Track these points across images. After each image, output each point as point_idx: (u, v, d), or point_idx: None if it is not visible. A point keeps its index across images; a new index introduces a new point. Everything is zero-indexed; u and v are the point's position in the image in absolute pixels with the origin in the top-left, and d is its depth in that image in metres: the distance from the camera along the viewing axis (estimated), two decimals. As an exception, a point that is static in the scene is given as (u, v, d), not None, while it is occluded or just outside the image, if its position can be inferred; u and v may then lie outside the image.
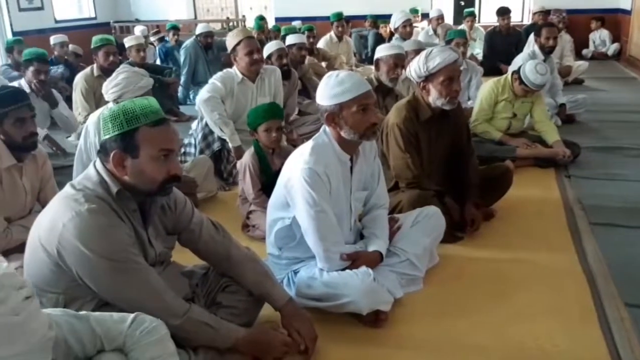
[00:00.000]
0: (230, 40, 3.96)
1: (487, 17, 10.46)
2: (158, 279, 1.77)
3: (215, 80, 3.92)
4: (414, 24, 7.56)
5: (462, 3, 10.85)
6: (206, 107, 3.81)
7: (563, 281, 2.50)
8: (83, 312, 1.27)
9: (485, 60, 7.58)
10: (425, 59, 2.77)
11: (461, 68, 4.27)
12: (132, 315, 1.36)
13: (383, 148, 2.92)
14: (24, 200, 2.62)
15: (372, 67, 3.99)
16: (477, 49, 8.34)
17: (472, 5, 10.63)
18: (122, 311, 1.59)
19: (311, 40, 7.03)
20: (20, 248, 2.35)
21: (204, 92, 3.88)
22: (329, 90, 2.16)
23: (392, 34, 8.43)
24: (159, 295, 1.72)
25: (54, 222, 1.65)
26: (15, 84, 4.10)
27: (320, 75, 6.24)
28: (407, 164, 2.83)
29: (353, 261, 2.23)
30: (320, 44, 7.72)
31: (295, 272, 2.32)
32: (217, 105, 3.81)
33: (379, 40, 8.29)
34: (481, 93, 4.26)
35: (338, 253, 2.21)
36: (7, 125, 2.43)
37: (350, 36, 8.76)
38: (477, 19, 9.42)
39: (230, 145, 3.78)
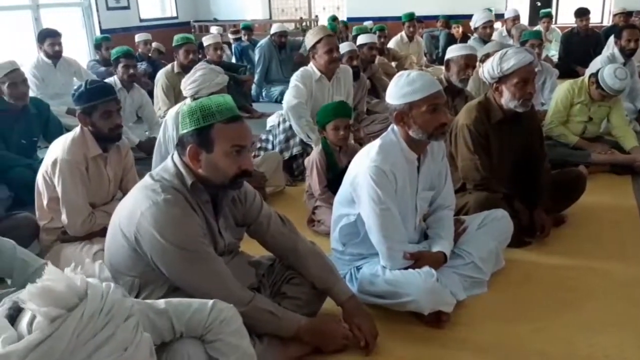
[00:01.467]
0: (311, 38, 3.99)
1: (564, 18, 10.00)
2: (225, 268, 1.82)
3: (297, 81, 3.95)
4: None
5: (539, 4, 10.42)
6: (294, 114, 3.86)
7: (637, 292, 2.36)
8: (163, 306, 1.28)
9: (560, 62, 7.26)
10: (499, 60, 2.69)
11: (536, 70, 4.11)
12: (209, 305, 1.37)
13: (451, 149, 2.86)
14: (108, 188, 2.76)
15: (443, 67, 3.92)
16: (553, 51, 8.00)
17: (549, 5, 10.19)
18: (191, 297, 1.64)
19: (382, 40, 6.99)
20: (102, 232, 2.48)
21: (290, 98, 3.91)
22: (399, 90, 2.14)
23: (464, 35, 8.25)
24: (226, 283, 1.78)
25: (133, 210, 1.73)
26: (109, 80, 4.32)
27: (389, 75, 6.21)
28: (476, 166, 2.76)
29: (416, 260, 2.19)
30: (391, 44, 7.66)
31: (358, 268, 2.31)
32: (304, 112, 3.87)
33: (451, 40, 8.13)
34: (556, 94, 4.08)
35: (401, 252, 2.18)
36: (95, 117, 2.56)
37: (421, 36, 8.63)
38: (553, 19, 9.04)
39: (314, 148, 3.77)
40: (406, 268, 2.17)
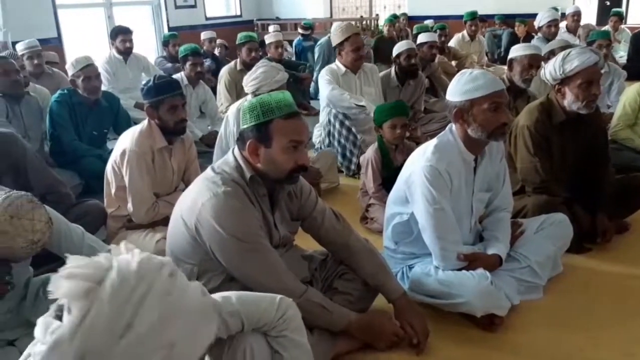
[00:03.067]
0: (338, 35, 4.07)
1: (635, 18, 9.50)
2: (280, 260, 1.84)
3: (324, 76, 4.04)
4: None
5: (608, 3, 9.94)
6: (336, 96, 3.94)
7: None
8: (235, 308, 1.29)
9: (629, 64, 6.90)
10: (562, 61, 2.59)
11: (602, 71, 3.93)
12: (276, 304, 1.38)
13: (510, 150, 2.78)
14: (171, 179, 2.85)
15: (504, 67, 3.81)
16: (622, 52, 7.62)
17: (619, 5, 9.70)
18: (245, 287, 1.68)
19: (443, 39, 6.86)
20: (164, 221, 2.57)
21: (325, 86, 3.99)
22: (461, 86, 2.10)
23: (528, 34, 7.98)
24: (279, 276, 1.80)
25: (195, 201, 1.78)
26: (176, 76, 4.47)
27: (449, 74, 6.11)
28: (536, 168, 2.68)
29: (470, 262, 2.15)
30: (452, 42, 7.51)
31: (410, 267, 2.29)
32: (341, 90, 3.96)
33: (514, 40, 7.88)
34: (624, 97, 3.88)
35: (455, 252, 2.15)
36: (162, 111, 2.65)
37: (483, 35, 8.42)
38: (623, 19, 8.59)
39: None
40: (460, 269, 2.14)
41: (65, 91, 3.89)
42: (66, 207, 2.56)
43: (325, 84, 4.02)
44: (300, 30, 8.31)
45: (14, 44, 5.38)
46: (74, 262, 0.86)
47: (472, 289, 2.03)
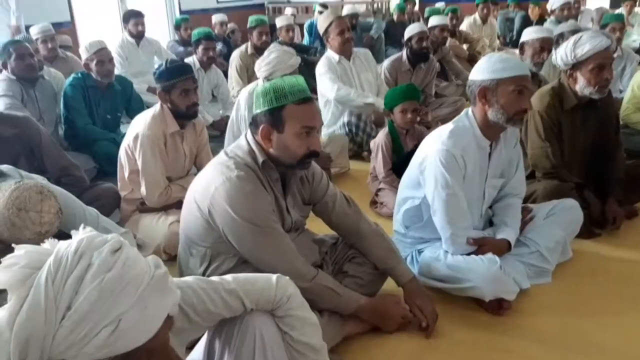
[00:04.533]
0: (322, 24, 4.08)
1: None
2: (291, 244, 1.85)
3: (324, 71, 3.99)
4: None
5: (623, -15, 9.74)
6: (344, 96, 3.91)
7: None
8: (232, 286, 1.30)
9: (643, 48, 6.79)
10: (572, 45, 2.55)
11: (615, 55, 3.87)
12: (273, 282, 1.38)
13: (521, 135, 2.75)
14: (183, 163, 2.86)
15: (516, 50, 3.76)
16: (635, 35, 7.49)
17: (634, -13, 9.50)
18: (258, 270, 1.69)
19: (454, 22, 6.78)
20: (177, 205, 2.60)
21: (330, 87, 3.95)
22: (490, 65, 2.07)
23: (541, 17, 7.86)
24: (291, 259, 1.81)
25: (208, 185, 1.79)
26: (188, 60, 4.46)
27: (460, 58, 6.05)
28: (547, 153, 2.66)
29: (479, 247, 2.15)
30: (464, 25, 7.41)
31: (420, 252, 2.30)
32: (347, 88, 3.93)
33: (527, 22, 7.76)
34: (635, 79, 3.83)
35: (465, 237, 2.15)
36: (174, 95, 2.65)
37: (495, 18, 8.30)
38: (637, 3, 8.42)
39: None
40: (469, 254, 2.14)
41: (79, 75, 3.90)
42: (80, 190, 2.58)
43: (328, 82, 3.96)
44: (318, 9, 8.21)
45: (27, 27, 5.39)
46: (15, 252, 0.85)
47: (481, 273, 2.03)
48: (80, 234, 0.89)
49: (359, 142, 3.99)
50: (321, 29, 4.07)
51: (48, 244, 0.88)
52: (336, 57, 4.04)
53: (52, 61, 4.81)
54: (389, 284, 2.12)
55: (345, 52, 4.04)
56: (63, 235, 0.92)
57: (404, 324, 1.99)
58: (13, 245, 0.88)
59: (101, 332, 0.81)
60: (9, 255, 0.85)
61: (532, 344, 1.96)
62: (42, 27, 4.84)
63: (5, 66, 3.76)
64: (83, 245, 0.85)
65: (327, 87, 3.98)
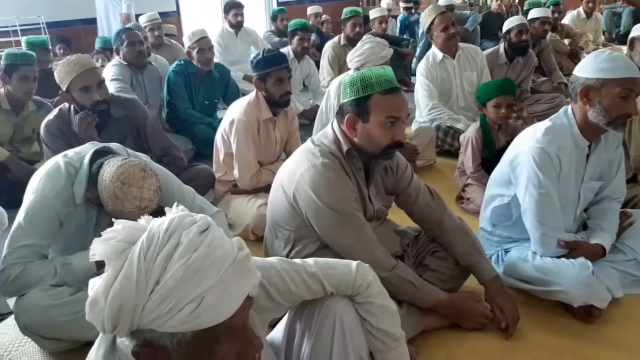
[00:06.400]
0: (425, 20, 3.88)
1: None
2: (372, 233, 1.85)
3: (422, 77, 3.81)
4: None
5: None
6: (434, 116, 3.76)
7: None
8: (314, 269, 1.33)
9: None
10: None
11: None
12: (353, 268, 1.38)
13: (625, 137, 2.56)
14: (274, 149, 2.94)
15: (622, 47, 3.49)
16: None
17: None
18: (339, 256, 1.70)
19: (556, 15, 6.40)
20: (267, 189, 2.65)
21: (423, 101, 3.79)
22: (599, 63, 1.92)
23: (654, 11, 7.25)
24: (371, 248, 1.81)
25: (294, 171, 1.83)
26: (283, 51, 4.56)
27: (561, 53, 5.71)
28: (652, 157, 2.45)
29: (571, 250, 2.03)
30: (566, 20, 6.99)
31: (507, 251, 2.21)
32: (439, 109, 3.75)
33: (637, 18, 7.18)
34: None
35: (556, 239, 2.03)
36: (269, 83, 2.73)
37: (601, 13, 7.74)
38: None
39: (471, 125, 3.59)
40: (559, 257, 2.03)
41: (182, 62, 4.11)
42: (179, 170, 2.72)
43: (424, 94, 3.78)
44: (402, 5, 8.11)
45: (137, 16, 5.74)
46: (114, 227, 0.91)
47: (572, 278, 1.92)
48: (173, 213, 0.94)
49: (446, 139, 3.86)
50: (425, 27, 3.94)
51: (144, 220, 0.94)
52: (439, 55, 3.83)
53: (159, 48, 5.10)
54: (471, 282, 2.06)
55: (449, 49, 3.82)
56: (162, 210, 0.97)
57: (483, 323, 1.92)
58: (113, 220, 0.95)
59: (185, 307, 0.85)
60: (108, 230, 0.91)
61: (622, 356, 1.83)
62: (150, 17, 5.13)
63: (117, 52, 4.04)
64: (174, 225, 0.90)
65: (421, 100, 3.84)
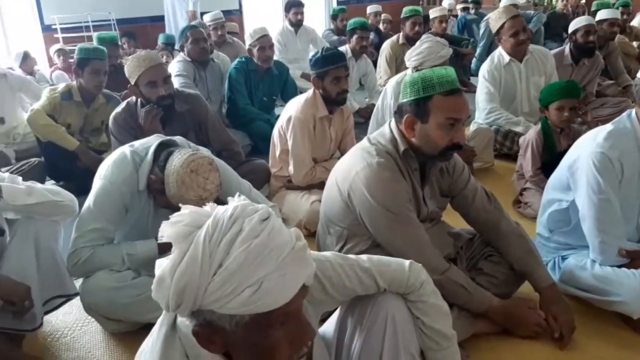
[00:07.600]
0: (495, 22, 3.72)
1: None
2: (425, 235, 1.83)
3: (484, 81, 3.71)
4: None
5: None
6: (492, 121, 3.68)
7: None
8: (367, 265, 1.33)
9: None
10: None
11: None
12: (406, 266, 1.38)
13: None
14: (329, 146, 2.96)
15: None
16: None
17: None
18: (390, 255, 1.69)
19: (625, 17, 6.10)
20: (320, 185, 2.69)
21: (483, 104, 3.71)
22: None
23: None
24: (423, 249, 1.79)
25: (349, 168, 1.83)
26: (341, 49, 4.57)
27: (629, 56, 5.44)
28: None
29: (633, 260, 1.93)
30: (636, 21, 6.64)
31: (564, 258, 2.13)
32: (500, 111, 3.66)
33: None
34: None
35: (616, 247, 1.94)
36: (326, 81, 2.74)
37: (676, 13, 7.31)
38: None
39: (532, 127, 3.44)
40: (620, 266, 1.94)
41: (243, 59, 4.19)
42: (237, 164, 2.78)
43: (484, 97, 3.70)
44: (459, 6, 7.96)
45: (202, 14, 5.89)
46: (181, 211, 0.95)
47: (632, 288, 1.83)
48: (236, 201, 0.97)
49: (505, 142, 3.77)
50: (494, 29, 3.81)
51: (209, 206, 0.98)
52: (506, 58, 3.70)
53: (221, 46, 5.22)
54: (525, 287, 2.00)
55: (517, 54, 3.69)
56: (219, 203, 1.01)
57: (537, 332, 1.87)
58: (180, 205, 1.00)
59: (245, 290, 0.88)
60: (176, 214, 0.95)
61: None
62: (214, 15, 5.27)
63: (182, 49, 4.17)
64: (237, 212, 0.93)
65: (481, 102, 3.76)
